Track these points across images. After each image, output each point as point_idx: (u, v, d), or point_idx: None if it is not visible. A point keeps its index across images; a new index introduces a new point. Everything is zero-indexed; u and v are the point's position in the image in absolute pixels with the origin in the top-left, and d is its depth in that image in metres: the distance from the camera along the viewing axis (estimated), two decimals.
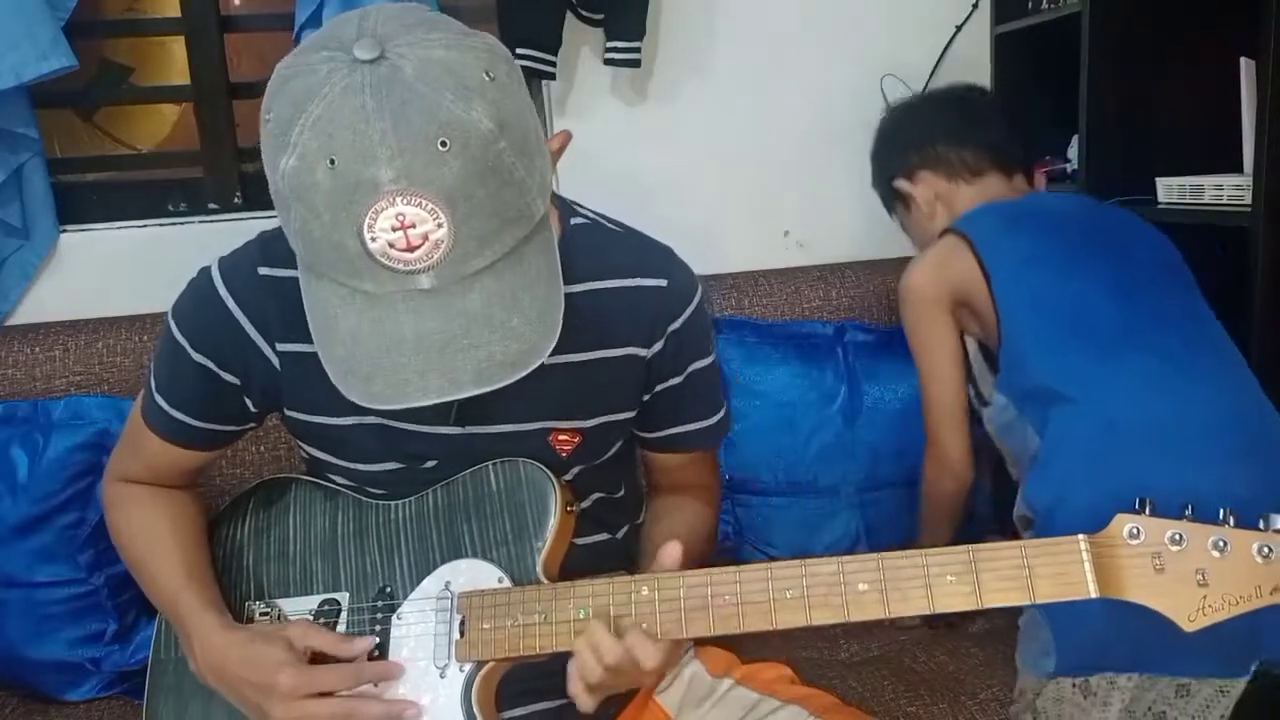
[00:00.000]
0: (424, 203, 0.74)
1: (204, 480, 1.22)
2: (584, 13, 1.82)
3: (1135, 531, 0.83)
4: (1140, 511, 0.84)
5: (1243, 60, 1.59)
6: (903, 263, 1.56)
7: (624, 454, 1.16)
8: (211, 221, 1.92)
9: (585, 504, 1.09)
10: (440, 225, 0.74)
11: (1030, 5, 1.96)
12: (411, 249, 0.74)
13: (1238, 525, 0.81)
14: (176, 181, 1.99)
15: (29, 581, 1.52)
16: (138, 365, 1.65)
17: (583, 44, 1.92)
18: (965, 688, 1.43)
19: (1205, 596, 0.81)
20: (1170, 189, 1.69)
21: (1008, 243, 1.44)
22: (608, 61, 1.85)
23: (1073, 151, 1.92)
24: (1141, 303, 1.37)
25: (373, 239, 0.74)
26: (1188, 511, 0.83)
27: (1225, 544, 0.81)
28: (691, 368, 1.10)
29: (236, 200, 1.95)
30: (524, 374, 0.78)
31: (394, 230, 0.74)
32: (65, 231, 1.83)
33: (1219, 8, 1.55)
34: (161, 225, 1.90)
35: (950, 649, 1.53)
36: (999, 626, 1.58)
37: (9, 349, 1.65)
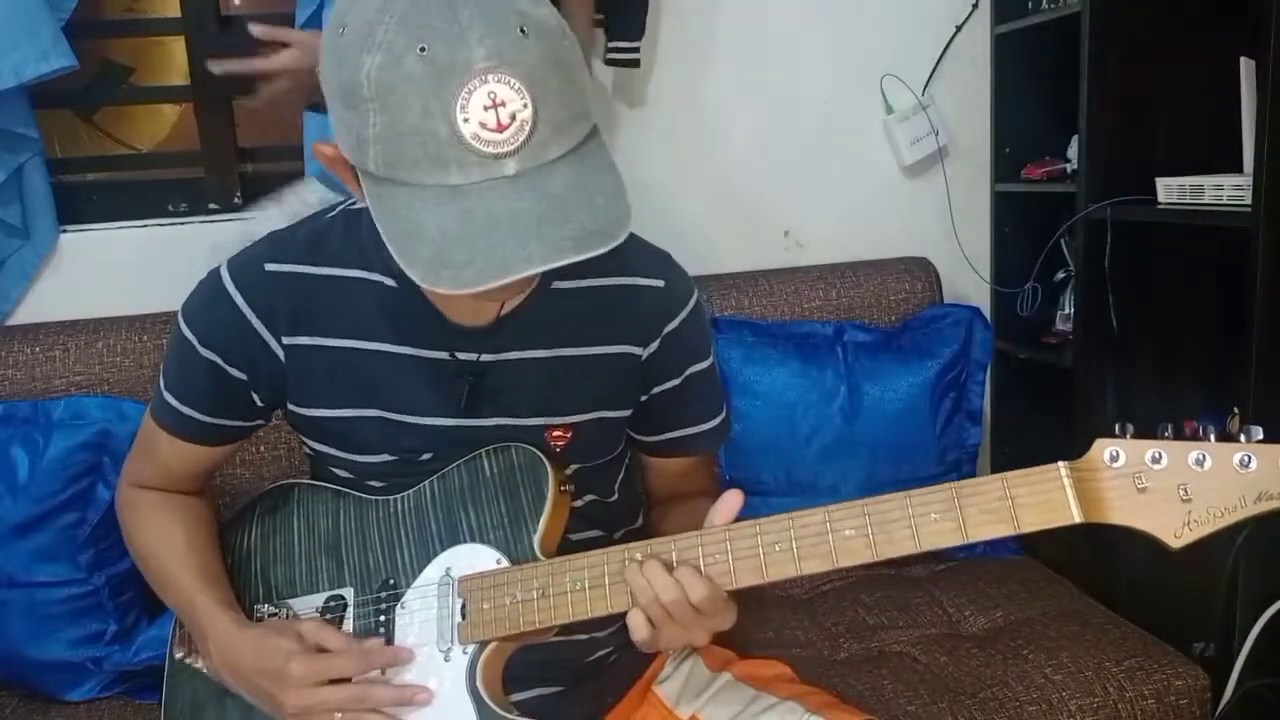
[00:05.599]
0: (512, 82, 0.77)
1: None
2: None
3: (1115, 455, 0.82)
4: (1120, 435, 0.83)
5: (1242, 60, 1.59)
6: (903, 263, 1.56)
7: (618, 461, 1.17)
8: (211, 221, 1.92)
9: (578, 504, 1.10)
10: (526, 106, 0.78)
11: (1030, 5, 1.96)
12: (501, 129, 0.77)
13: (1219, 439, 0.80)
14: (176, 181, 1.99)
15: (29, 581, 1.52)
16: (138, 365, 1.65)
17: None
18: (965, 688, 1.43)
19: (1190, 511, 0.79)
20: (1170, 189, 1.69)
21: None
22: (608, 61, 1.85)
23: (1073, 151, 1.92)
24: None
25: (465, 119, 0.77)
26: (1167, 431, 0.82)
27: (1206, 458, 0.80)
28: (689, 370, 1.11)
29: (236, 200, 1.95)
30: (616, 244, 0.80)
31: (486, 109, 0.77)
32: (65, 231, 1.84)
33: (1219, 8, 1.55)
34: (161, 225, 1.90)
35: (950, 649, 1.53)
36: (999, 626, 1.59)
37: (9, 349, 1.65)
